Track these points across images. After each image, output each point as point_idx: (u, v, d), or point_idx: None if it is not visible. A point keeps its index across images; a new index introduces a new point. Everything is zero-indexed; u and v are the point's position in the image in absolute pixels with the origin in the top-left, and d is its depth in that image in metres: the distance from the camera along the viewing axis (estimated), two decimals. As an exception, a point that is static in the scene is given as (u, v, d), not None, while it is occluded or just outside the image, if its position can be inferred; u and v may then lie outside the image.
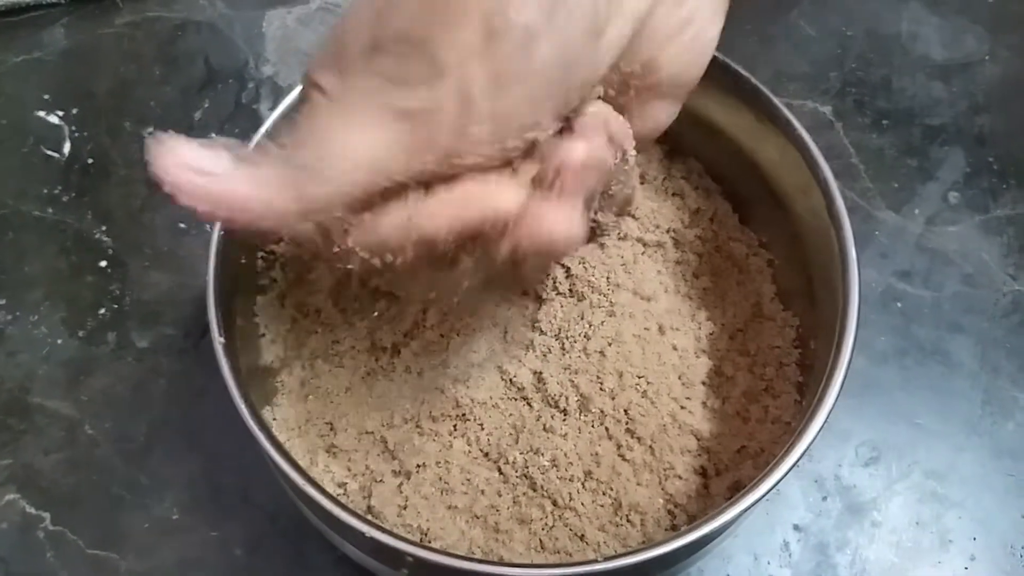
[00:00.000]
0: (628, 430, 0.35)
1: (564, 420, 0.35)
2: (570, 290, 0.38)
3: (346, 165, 0.23)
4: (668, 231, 0.40)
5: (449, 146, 0.23)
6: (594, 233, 0.30)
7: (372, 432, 0.35)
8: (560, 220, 0.24)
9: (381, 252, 0.24)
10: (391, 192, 0.24)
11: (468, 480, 0.34)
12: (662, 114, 0.27)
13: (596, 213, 0.29)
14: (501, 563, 0.32)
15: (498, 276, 0.27)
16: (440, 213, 0.24)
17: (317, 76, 0.25)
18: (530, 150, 0.24)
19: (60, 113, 0.49)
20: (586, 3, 0.23)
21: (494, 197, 0.24)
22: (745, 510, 0.28)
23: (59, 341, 0.43)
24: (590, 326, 0.37)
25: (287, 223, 0.23)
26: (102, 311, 0.44)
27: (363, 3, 0.24)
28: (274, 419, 0.36)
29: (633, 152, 0.27)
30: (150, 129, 0.49)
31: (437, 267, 0.26)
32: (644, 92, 0.26)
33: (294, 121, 0.24)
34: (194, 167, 0.22)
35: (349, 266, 0.25)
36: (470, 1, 0.22)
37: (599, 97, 0.26)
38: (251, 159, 0.23)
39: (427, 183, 0.24)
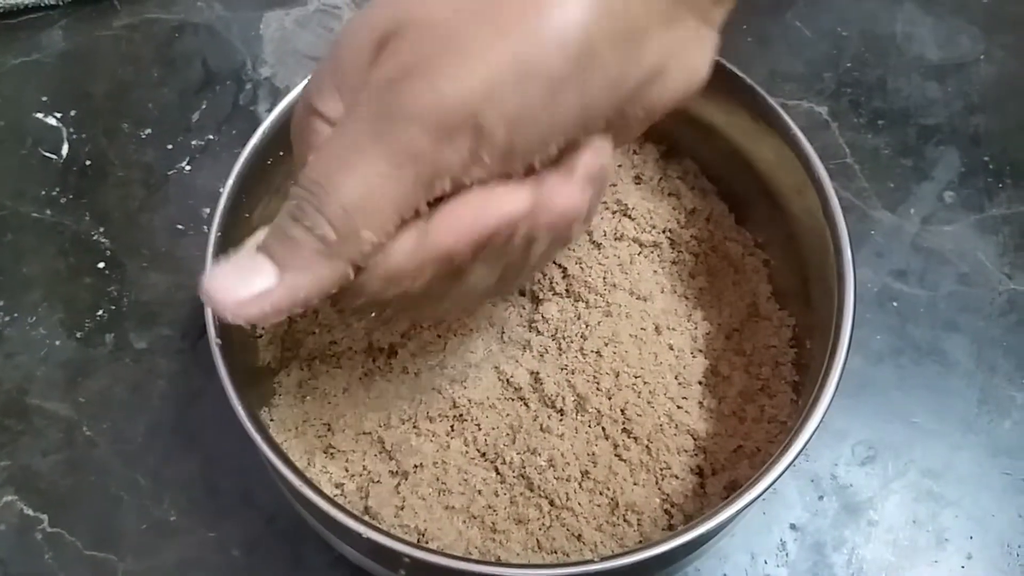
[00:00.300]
0: (625, 430, 0.35)
1: (561, 420, 0.35)
2: (567, 290, 0.38)
3: (375, 220, 0.23)
4: (664, 231, 0.40)
5: (463, 174, 0.24)
6: None
7: (369, 433, 0.35)
8: (569, 195, 0.25)
9: (398, 282, 0.25)
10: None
11: (465, 480, 0.34)
12: (644, 130, 0.28)
13: None
14: (498, 563, 0.32)
15: (503, 275, 0.27)
16: (453, 228, 0.24)
17: (317, 102, 0.25)
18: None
19: (58, 115, 0.49)
20: (613, 60, 0.24)
21: (503, 200, 0.24)
22: (741, 510, 0.28)
23: (57, 342, 0.43)
24: (587, 326, 0.37)
25: (335, 287, 0.24)
26: (100, 312, 0.44)
27: (361, 24, 0.24)
28: (271, 420, 0.36)
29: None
30: (148, 130, 0.49)
31: (452, 281, 0.26)
32: (640, 123, 0.27)
33: (306, 160, 0.24)
34: (247, 298, 0.24)
35: (359, 303, 0.26)
36: (494, 41, 0.22)
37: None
38: (288, 251, 0.24)
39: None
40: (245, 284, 0.24)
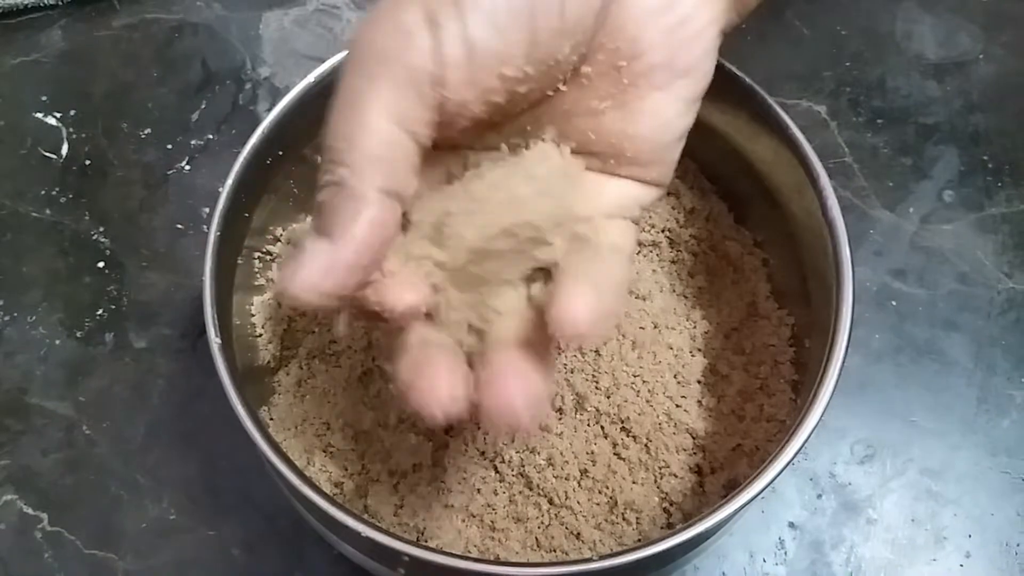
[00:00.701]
0: (624, 429, 0.35)
1: (560, 419, 0.35)
2: (566, 289, 0.38)
3: (367, 132, 0.23)
4: (663, 231, 0.40)
5: (439, 83, 0.23)
6: None
7: (368, 431, 0.35)
8: (521, 385, 0.23)
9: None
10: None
11: (464, 479, 0.34)
12: (664, 109, 0.26)
13: None
14: (497, 562, 0.32)
15: None
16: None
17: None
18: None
19: (58, 114, 0.49)
20: None
21: None
22: (740, 508, 0.28)
23: (57, 342, 0.43)
24: (586, 325, 0.37)
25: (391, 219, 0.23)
26: (100, 312, 0.44)
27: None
28: (271, 419, 0.36)
29: None
30: (147, 130, 0.49)
31: None
32: (638, 79, 0.25)
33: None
34: (316, 275, 0.22)
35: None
36: None
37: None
38: (324, 215, 0.23)
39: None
40: (305, 266, 0.22)
